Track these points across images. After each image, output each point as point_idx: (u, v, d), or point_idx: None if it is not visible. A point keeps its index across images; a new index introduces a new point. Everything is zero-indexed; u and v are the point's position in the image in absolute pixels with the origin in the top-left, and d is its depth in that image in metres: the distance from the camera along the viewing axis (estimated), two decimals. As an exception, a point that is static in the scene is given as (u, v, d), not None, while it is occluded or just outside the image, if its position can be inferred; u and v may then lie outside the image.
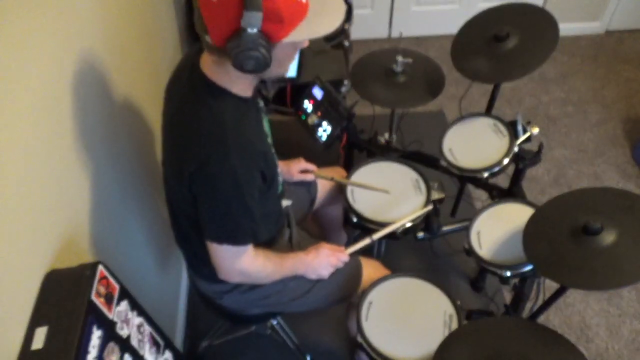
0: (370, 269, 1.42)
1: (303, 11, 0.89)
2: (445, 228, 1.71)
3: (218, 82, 1.00)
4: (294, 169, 1.54)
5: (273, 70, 0.97)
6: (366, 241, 1.37)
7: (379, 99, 1.72)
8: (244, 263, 1.14)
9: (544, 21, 1.52)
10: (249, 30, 0.84)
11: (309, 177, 1.56)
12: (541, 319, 1.45)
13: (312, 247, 1.32)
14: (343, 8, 0.94)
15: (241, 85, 1.03)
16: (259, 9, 0.82)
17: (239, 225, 1.06)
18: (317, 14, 0.91)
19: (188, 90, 1.03)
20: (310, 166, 1.58)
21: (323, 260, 1.29)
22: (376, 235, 1.38)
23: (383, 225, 1.43)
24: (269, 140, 1.16)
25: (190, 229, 1.18)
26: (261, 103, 1.16)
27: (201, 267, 1.29)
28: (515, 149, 1.52)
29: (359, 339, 1.21)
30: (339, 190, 1.63)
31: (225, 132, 0.98)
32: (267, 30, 0.86)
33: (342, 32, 2.34)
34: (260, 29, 0.85)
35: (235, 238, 1.08)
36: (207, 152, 0.98)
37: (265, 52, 0.87)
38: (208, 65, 1.00)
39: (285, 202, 1.35)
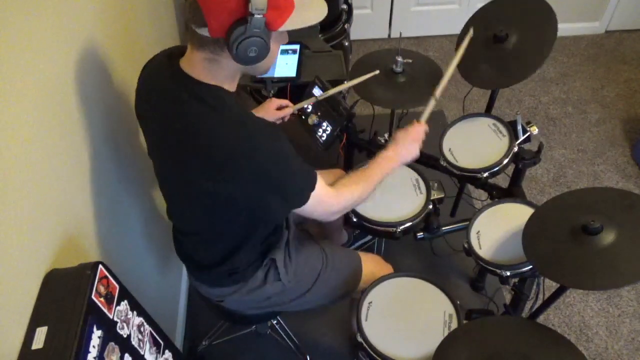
0: (371, 263, 1.43)
1: (292, 3, 0.92)
2: (445, 228, 1.71)
3: (211, 81, 0.98)
4: (270, 108, 1.52)
5: (261, 63, 0.97)
6: (432, 103, 1.39)
7: (379, 99, 1.72)
8: (333, 204, 1.14)
9: (543, 13, 1.50)
10: (256, 15, 0.85)
11: (287, 111, 1.54)
12: (541, 319, 1.45)
13: (389, 143, 1.34)
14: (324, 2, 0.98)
15: (231, 81, 1.02)
16: None
17: (303, 171, 1.07)
18: (303, 8, 0.94)
19: (184, 98, 0.98)
20: (285, 101, 1.56)
21: (405, 143, 1.33)
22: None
23: (383, 224, 1.43)
24: None
25: (206, 236, 1.19)
26: None
27: (203, 274, 1.29)
28: (515, 149, 1.52)
29: (359, 339, 1.21)
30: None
31: (247, 130, 0.97)
32: (269, 17, 0.88)
33: (342, 32, 2.34)
34: (265, 15, 0.86)
35: (311, 183, 1.08)
36: (235, 150, 0.96)
37: (267, 39, 0.89)
38: (198, 65, 0.97)
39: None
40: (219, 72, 0.98)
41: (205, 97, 0.98)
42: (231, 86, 1.03)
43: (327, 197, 1.12)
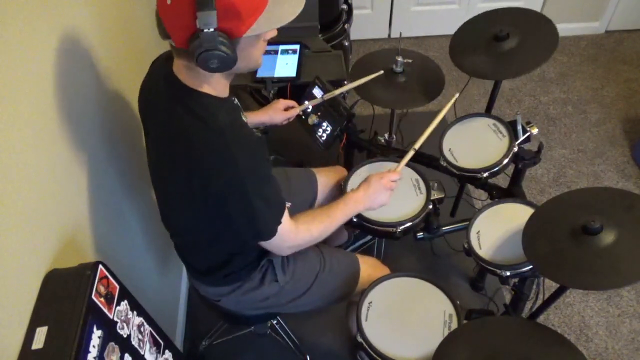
0: (368, 266, 1.42)
1: (262, 3, 0.88)
2: (445, 228, 1.71)
3: (196, 87, 0.98)
4: (278, 109, 1.54)
5: (242, 65, 0.94)
6: (410, 154, 1.38)
7: (379, 99, 1.72)
8: (290, 241, 1.14)
9: (543, 25, 1.52)
10: (205, 30, 0.82)
11: (294, 112, 1.57)
12: (541, 319, 1.45)
13: (361, 183, 1.35)
14: None
15: (216, 85, 1.00)
16: (211, 8, 0.81)
17: (276, 199, 1.07)
18: (277, 3, 0.90)
19: (171, 103, 0.99)
20: (291, 102, 1.58)
21: (377, 187, 1.31)
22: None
23: (383, 224, 1.43)
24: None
25: (197, 241, 1.19)
26: (235, 100, 1.13)
27: (201, 273, 1.29)
28: (515, 149, 1.52)
29: (359, 339, 1.21)
30: (340, 189, 1.63)
31: (225, 139, 0.96)
32: (226, 27, 0.85)
33: (342, 32, 2.34)
34: (217, 27, 0.83)
35: (279, 214, 1.07)
36: (215, 167, 0.96)
37: (227, 49, 0.85)
38: (182, 71, 0.98)
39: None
40: (201, 78, 0.97)
41: (193, 106, 0.97)
42: (220, 91, 1.01)
43: (286, 232, 1.11)
